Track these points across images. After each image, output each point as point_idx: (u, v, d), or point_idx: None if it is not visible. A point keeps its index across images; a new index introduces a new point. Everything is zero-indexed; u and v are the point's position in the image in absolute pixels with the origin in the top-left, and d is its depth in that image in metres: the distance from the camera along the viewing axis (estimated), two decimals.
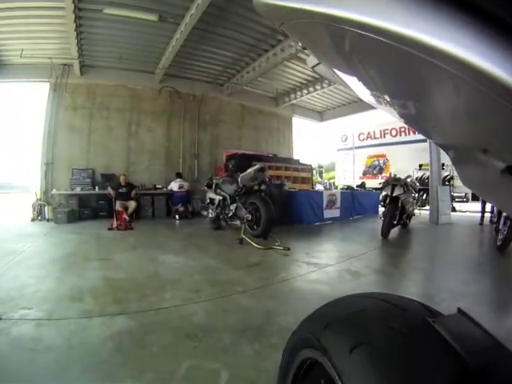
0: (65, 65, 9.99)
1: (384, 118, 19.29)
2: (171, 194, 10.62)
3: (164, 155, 11.82)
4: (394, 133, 17.16)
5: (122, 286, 3.36)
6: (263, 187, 6.98)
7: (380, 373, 0.65)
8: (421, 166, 14.58)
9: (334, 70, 0.79)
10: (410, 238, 7.26)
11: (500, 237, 5.23)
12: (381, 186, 7.18)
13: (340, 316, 0.89)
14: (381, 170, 17.46)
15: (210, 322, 2.52)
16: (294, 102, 14.68)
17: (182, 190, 10.55)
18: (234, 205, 6.44)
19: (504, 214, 5.32)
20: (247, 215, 6.00)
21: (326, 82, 12.44)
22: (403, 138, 16.72)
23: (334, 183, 17.58)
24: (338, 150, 19.88)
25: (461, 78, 0.42)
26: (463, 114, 0.59)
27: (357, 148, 18.76)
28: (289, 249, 5.09)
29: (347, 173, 18.94)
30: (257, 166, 6.12)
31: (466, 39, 0.38)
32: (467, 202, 15.26)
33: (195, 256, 4.81)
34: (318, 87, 13.02)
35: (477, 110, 0.53)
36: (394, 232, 6.96)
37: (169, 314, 2.67)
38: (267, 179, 6.47)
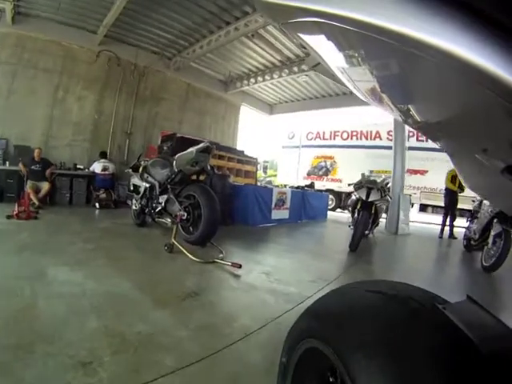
0: None
1: (335, 120, 18.88)
2: (93, 176, 8.79)
3: (91, 130, 9.94)
4: (345, 135, 16.30)
5: None
6: (202, 177, 5.22)
7: (390, 361, 0.63)
8: (371, 171, 13.99)
9: (334, 69, 0.77)
10: (381, 252, 6.10)
11: (486, 256, 4.90)
12: (354, 187, 5.86)
13: (347, 304, 0.87)
14: (327, 172, 16.49)
15: None
16: (245, 88, 13.33)
17: (106, 172, 8.72)
18: (165, 196, 4.62)
19: (493, 233, 4.86)
20: (181, 212, 4.23)
21: (285, 71, 11.35)
22: (354, 141, 15.96)
23: (272, 181, 16.67)
24: (283, 147, 18.62)
25: (461, 77, 0.45)
26: (463, 114, 0.61)
27: (303, 147, 17.64)
28: (240, 266, 3.44)
29: (291, 171, 17.78)
30: (201, 145, 4.35)
31: (466, 39, 0.38)
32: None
33: (101, 271, 3.03)
34: (275, 76, 11.71)
35: (477, 110, 0.55)
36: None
37: None
38: (209, 167, 4.72)
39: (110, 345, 1.76)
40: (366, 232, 5.50)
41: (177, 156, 4.49)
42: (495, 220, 4.87)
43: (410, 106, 0.67)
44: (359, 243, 5.26)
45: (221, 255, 3.91)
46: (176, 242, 3.98)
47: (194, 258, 3.65)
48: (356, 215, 5.58)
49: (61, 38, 9.11)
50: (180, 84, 11.98)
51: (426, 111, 0.71)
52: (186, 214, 4.19)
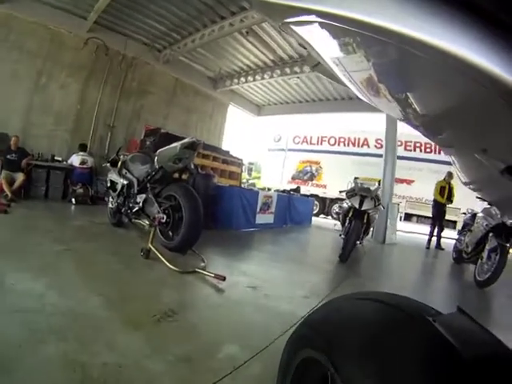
0: None
1: (323, 125, 18.77)
2: (71, 170, 8.24)
3: (73, 120, 9.37)
4: (332, 141, 16.29)
5: None
6: (185, 176, 4.82)
7: (380, 371, 0.64)
8: (356, 178, 13.94)
9: (330, 63, 0.75)
10: (371, 263, 5.88)
11: (480, 270, 4.81)
12: (346, 194, 5.58)
13: (340, 315, 0.88)
14: (312, 177, 16.45)
15: None
16: (234, 87, 13.03)
17: (84, 166, 8.22)
18: (143, 196, 4.18)
19: (488, 247, 4.76)
20: (160, 215, 3.79)
21: (277, 72, 11.09)
22: (341, 148, 15.95)
23: (254, 184, 16.84)
24: (269, 149, 18.41)
25: (461, 77, 0.44)
26: (463, 114, 0.60)
27: (290, 150, 17.47)
28: (224, 278, 3.05)
29: (275, 175, 17.57)
30: (186, 140, 3.92)
31: (466, 39, 0.38)
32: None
33: (67, 281, 2.58)
34: (266, 76, 11.44)
35: (476, 110, 0.54)
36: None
37: None
38: (193, 165, 4.32)
39: (68, 381, 1.37)
40: (357, 242, 5.21)
41: (158, 151, 4.06)
42: (491, 234, 4.73)
43: (408, 95, 0.64)
44: (350, 254, 4.97)
45: (202, 264, 3.53)
46: (153, 248, 3.55)
47: (172, 267, 3.23)
48: (347, 224, 5.28)
49: (49, 22, 8.57)
50: (168, 78, 11.58)
51: (425, 100, 0.67)
52: (165, 217, 3.75)
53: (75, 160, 8.21)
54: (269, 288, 3.17)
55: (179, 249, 3.73)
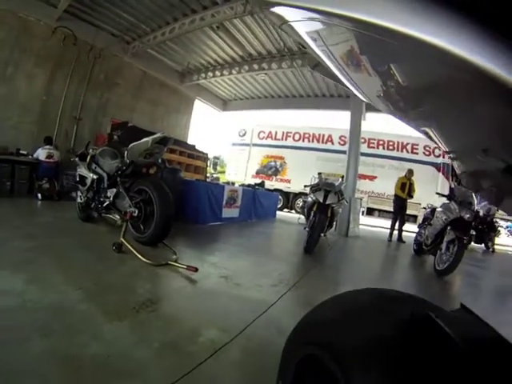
0: None
1: (288, 120, 19.01)
2: (37, 164, 7.96)
3: (38, 112, 9.05)
4: (296, 137, 16.60)
5: None
6: (152, 170, 4.87)
7: (383, 368, 0.65)
8: (320, 173, 14.32)
9: (334, 69, 0.78)
10: (335, 255, 6.14)
11: (439, 261, 5.16)
12: (311, 189, 5.81)
13: (342, 312, 0.88)
14: (276, 172, 16.72)
15: None
16: (201, 82, 12.98)
17: (51, 160, 7.95)
18: (114, 190, 4.20)
19: (446, 239, 5.14)
20: (132, 209, 3.85)
21: (245, 68, 11.24)
22: (306, 143, 16.30)
23: (218, 178, 16.71)
24: (233, 144, 18.49)
25: (461, 77, 0.44)
26: (463, 114, 0.60)
27: (254, 145, 17.65)
28: (196, 269, 3.17)
29: (239, 169, 17.73)
30: (158, 135, 3.98)
31: (466, 39, 0.38)
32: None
33: (45, 276, 2.58)
34: (234, 72, 11.59)
35: (477, 110, 0.54)
36: None
37: None
38: (160, 160, 4.40)
39: (62, 374, 1.44)
40: (321, 234, 5.46)
41: (130, 146, 4.07)
42: (449, 227, 5.14)
43: (392, 66, 0.61)
44: (315, 246, 5.22)
45: (174, 257, 3.61)
46: (125, 242, 3.60)
47: (145, 260, 3.31)
48: (312, 217, 5.52)
49: (17, 9, 8.24)
50: (135, 71, 11.42)
51: (424, 110, 0.68)
52: (137, 211, 3.81)
53: (41, 154, 7.91)
54: (239, 278, 3.33)
55: (151, 242, 3.80)
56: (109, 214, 4.43)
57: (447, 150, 0.85)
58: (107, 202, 4.24)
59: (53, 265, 2.90)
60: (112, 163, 4.40)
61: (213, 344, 1.89)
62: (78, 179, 5.03)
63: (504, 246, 13.14)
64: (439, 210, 5.87)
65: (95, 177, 4.58)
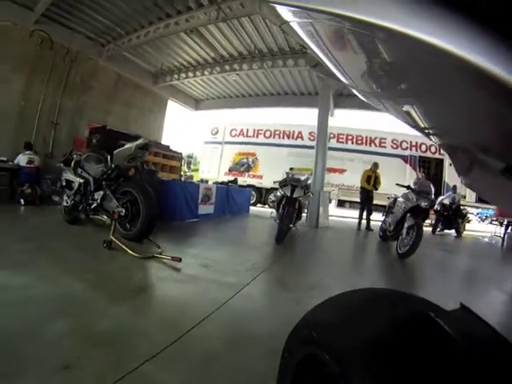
0: None
1: (259, 118, 19.44)
2: (17, 170, 8.05)
3: (16, 118, 9.14)
4: (267, 134, 17.09)
5: None
6: (131, 172, 5.26)
7: (383, 368, 0.65)
8: (291, 169, 14.91)
9: (333, 69, 0.78)
10: (305, 244, 6.78)
11: (401, 245, 5.66)
12: (279, 184, 6.37)
13: (341, 312, 0.89)
14: (248, 168, 17.17)
15: None
16: (174, 83, 13.32)
17: (32, 165, 8.06)
18: (101, 193, 4.61)
19: (406, 225, 5.68)
20: (120, 209, 4.29)
21: (217, 69, 11.69)
22: (276, 140, 16.83)
23: (192, 176, 17.05)
24: (206, 142, 18.79)
25: (462, 77, 0.44)
26: (463, 114, 0.60)
27: (226, 143, 18.05)
28: (180, 260, 3.67)
29: (212, 167, 18.08)
30: (140, 141, 4.44)
31: (466, 39, 0.38)
32: None
33: (48, 273, 2.91)
34: (206, 73, 12.03)
35: (477, 110, 0.54)
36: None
37: None
38: (139, 163, 4.86)
39: (86, 343, 1.82)
40: (291, 226, 6.03)
41: (115, 152, 4.51)
42: (408, 214, 5.74)
43: (391, 65, 0.63)
44: (285, 236, 5.78)
45: (159, 250, 4.08)
46: (114, 239, 4.03)
47: (134, 254, 3.76)
48: (281, 210, 6.09)
49: None
50: (110, 74, 11.59)
51: (424, 110, 0.70)
52: (124, 211, 4.27)
53: (22, 159, 8.05)
54: (218, 265, 3.85)
55: (137, 238, 4.26)
56: (97, 215, 4.85)
57: (427, 126, 0.82)
58: (95, 204, 4.64)
59: (52, 264, 3.25)
60: (97, 167, 4.81)
61: (203, 313, 2.39)
62: (64, 184, 5.36)
63: (474, 231, 14.28)
64: (400, 199, 6.46)
65: (82, 181, 4.97)
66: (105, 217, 4.64)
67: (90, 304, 2.40)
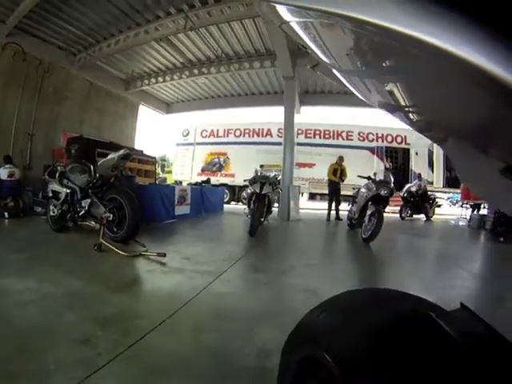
0: None
1: (229, 118, 19.98)
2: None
3: None
4: (237, 133, 17.54)
5: None
6: (112, 180, 5.75)
7: (383, 368, 0.66)
8: (262, 166, 15.43)
9: (333, 69, 0.79)
10: (276, 235, 7.47)
11: (364, 230, 6.14)
12: (249, 182, 6.95)
13: (341, 312, 0.91)
14: (221, 168, 17.58)
15: None
16: (144, 88, 13.63)
17: (13, 178, 8.16)
18: (88, 200, 5.07)
19: (368, 212, 6.19)
20: (107, 214, 4.79)
21: (186, 73, 12.14)
22: (247, 138, 17.31)
23: (165, 179, 17.57)
24: (178, 144, 19.14)
25: (462, 77, 0.44)
26: (463, 113, 0.60)
27: (198, 144, 18.41)
28: (165, 255, 4.22)
29: (185, 169, 18.46)
30: (121, 152, 4.95)
31: (467, 39, 0.38)
32: None
33: (49, 276, 3.31)
34: (175, 77, 12.44)
35: (477, 109, 0.54)
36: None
37: None
38: (120, 171, 5.38)
39: (97, 324, 2.32)
40: (262, 219, 6.62)
41: (99, 163, 5.02)
42: (370, 203, 6.32)
43: (391, 66, 0.63)
44: (257, 229, 6.35)
45: (144, 248, 4.56)
46: (104, 242, 4.51)
47: (123, 253, 4.27)
48: (252, 206, 6.69)
49: None
50: (82, 82, 11.75)
51: (424, 110, 0.70)
52: (111, 216, 4.77)
53: (3, 173, 8.11)
54: (198, 258, 4.42)
55: (124, 240, 4.77)
56: (85, 222, 5.31)
57: (409, 104, 0.79)
58: (83, 212, 5.11)
59: (50, 269, 3.59)
60: (82, 177, 5.27)
61: (189, 295, 2.97)
62: (50, 194, 5.76)
63: (443, 215, 15.35)
64: (362, 189, 6.99)
65: (68, 191, 5.40)
66: (93, 223, 5.12)
67: (92, 297, 2.89)
